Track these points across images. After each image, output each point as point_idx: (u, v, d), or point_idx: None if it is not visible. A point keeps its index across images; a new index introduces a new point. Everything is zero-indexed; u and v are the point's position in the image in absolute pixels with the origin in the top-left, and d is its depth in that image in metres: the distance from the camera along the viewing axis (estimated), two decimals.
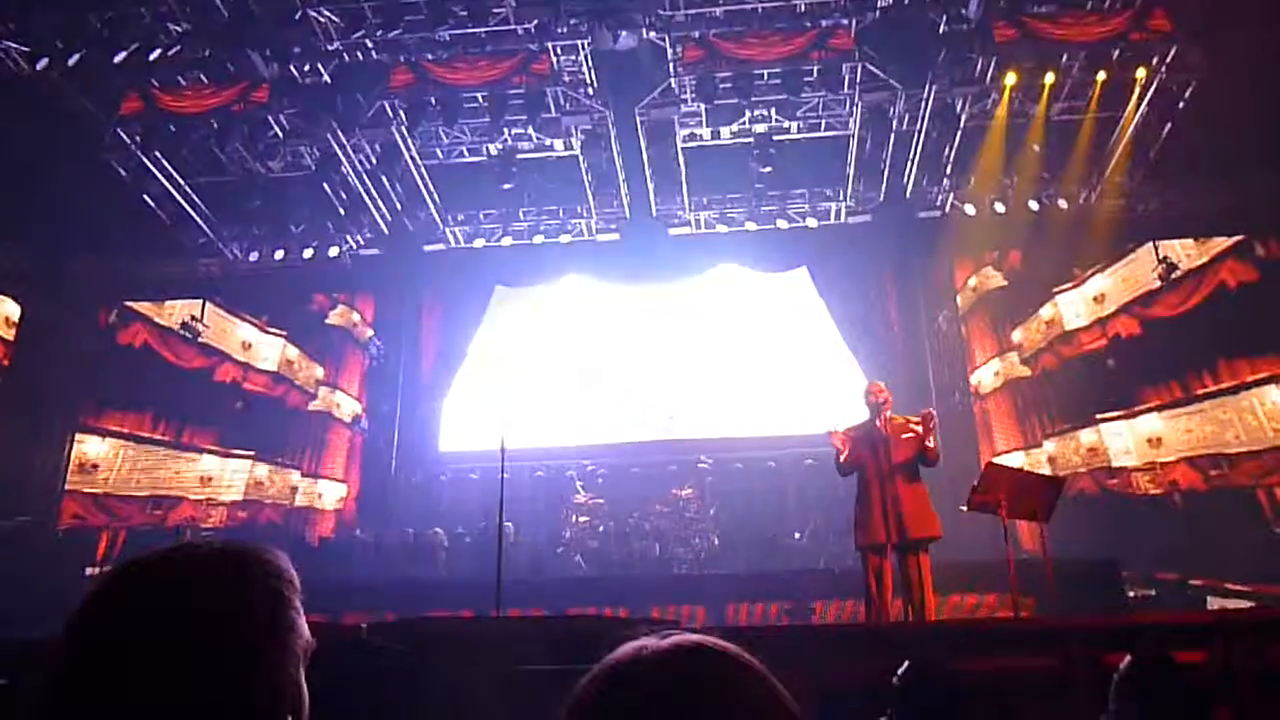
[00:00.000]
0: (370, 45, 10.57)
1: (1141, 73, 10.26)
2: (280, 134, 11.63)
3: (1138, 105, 10.66)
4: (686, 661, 0.84)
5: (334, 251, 13.30)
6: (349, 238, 13.33)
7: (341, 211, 12.81)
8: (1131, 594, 9.06)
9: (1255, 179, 10.78)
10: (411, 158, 12.08)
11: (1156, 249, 11.69)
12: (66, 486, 12.31)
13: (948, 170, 12.14)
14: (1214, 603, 9.56)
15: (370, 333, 13.97)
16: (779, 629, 7.03)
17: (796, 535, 10.91)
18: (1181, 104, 10.63)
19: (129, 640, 0.88)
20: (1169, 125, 10.94)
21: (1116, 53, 10.22)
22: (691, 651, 0.85)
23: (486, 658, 3.89)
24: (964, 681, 2.79)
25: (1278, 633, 4.43)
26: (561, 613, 7.66)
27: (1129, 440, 11.44)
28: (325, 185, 12.34)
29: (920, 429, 6.23)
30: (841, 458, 6.26)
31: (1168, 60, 10.21)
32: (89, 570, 11.77)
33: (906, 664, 2.85)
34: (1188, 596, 9.72)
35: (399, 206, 12.94)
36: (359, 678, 3.81)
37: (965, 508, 6.30)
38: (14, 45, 10.09)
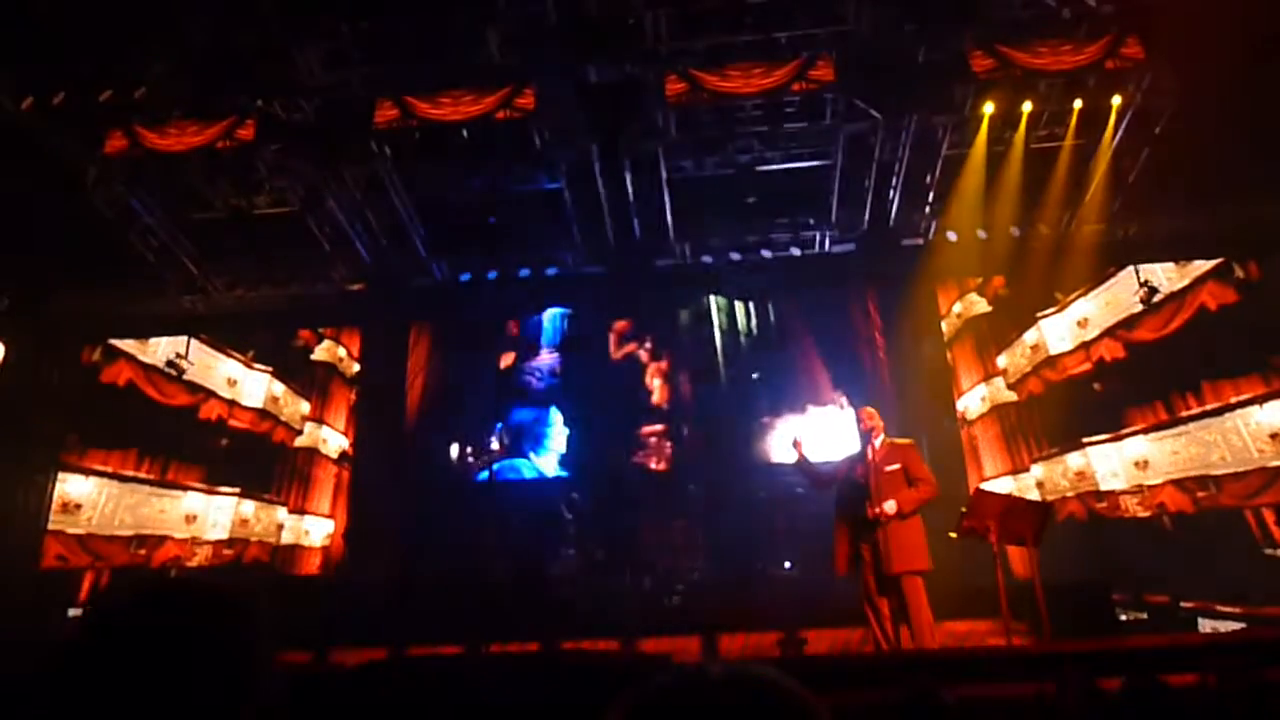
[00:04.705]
0: (355, 81, 10.62)
1: (1117, 99, 10.41)
2: (265, 170, 11.65)
3: (1114, 131, 10.79)
4: (756, 692, 0.81)
5: (319, 287, 13.28)
6: (334, 273, 13.32)
7: (327, 247, 12.81)
8: (1123, 617, 9.07)
9: (1233, 202, 10.91)
10: (397, 193, 12.11)
11: (1138, 273, 11.80)
12: (49, 527, 12.17)
13: (930, 198, 12.25)
14: (1205, 625, 9.57)
15: (357, 368, 13.93)
16: (772, 660, 6.99)
17: (787, 565, 10.88)
18: (1158, 129, 10.77)
19: (107, 682, 0.88)
20: (1146, 150, 11.09)
21: (1093, 80, 10.37)
22: (758, 684, 0.83)
23: (477, 696, 3.85)
24: (957, 709, 2.77)
25: (1270, 655, 4.43)
26: (553, 646, 7.60)
27: (1116, 463, 11.47)
28: (311, 221, 12.36)
29: (905, 463, 6.29)
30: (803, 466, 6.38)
31: (1143, 87, 10.37)
32: (72, 611, 11.64)
33: (900, 693, 2.84)
34: (1179, 619, 9.72)
35: (385, 241, 12.94)
36: (348, 717, 3.76)
37: (954, 534, 6.31)
38: None
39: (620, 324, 13.74)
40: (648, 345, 13.62)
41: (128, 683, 0.87)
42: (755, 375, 13.21)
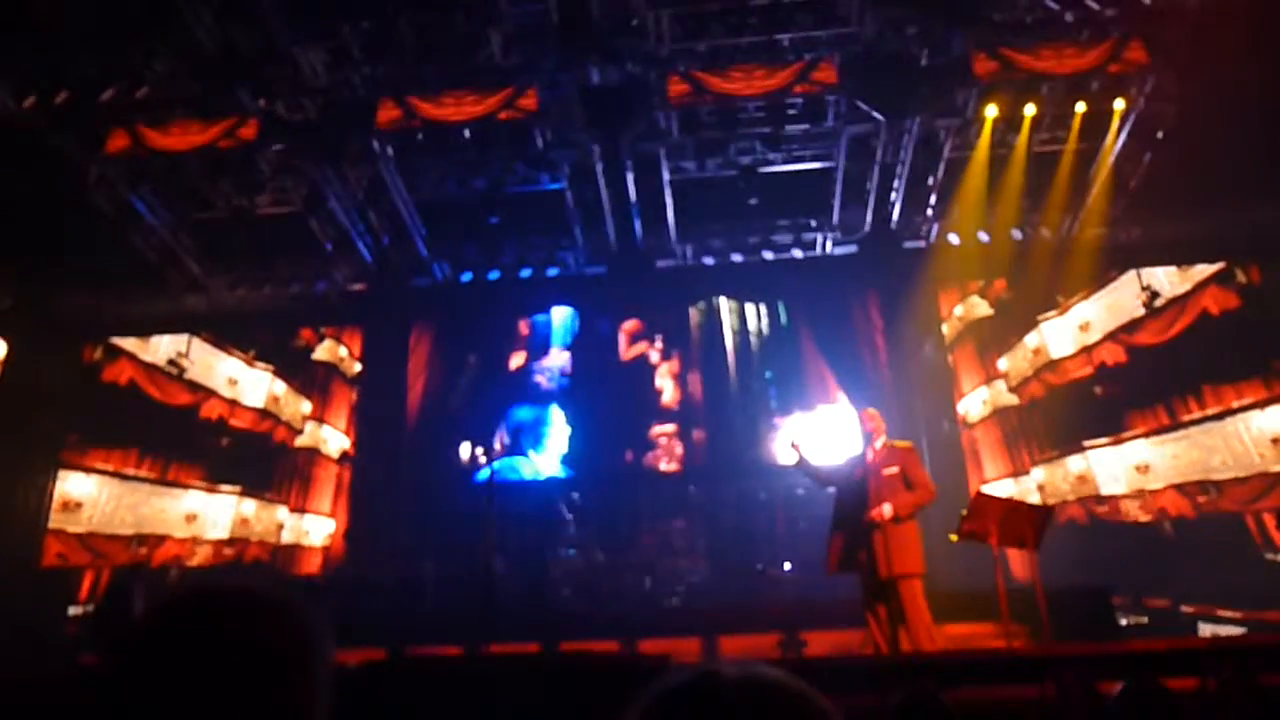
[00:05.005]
0: (357, 81, 10.63)
1: (1120, 103, 10.40)
2: (267, 170, 11.65)
3: (1117, 135, 10.79)
4: (769, 695, 0.81)
5: (321, 286, 13.28)
6: (336, 272, 13.33)
7: (328, 246, 12.81)
8: (1123, 621, 9.07)
9: (1235, 207, 10.91)
10: (399, 193, 12.11)
11: (1140, 277, 11.80)
12: (50, 525, 12.17)
13: (932, 201, 12.25)
14: (1206, 629, 9.57)
15: (358, 367, 13.93)
16: (772, 662, 6.98)
17: (787, 566, 10.87)
18: (1161, 134, 10.76)
19: (166, 687, 0.88)
20: (1149, 154, 11.08)
21: (1096, 84, 10.37)
22: (771, 686, 0.82)
23: (476, 696, 3.85)
24: (957, 713, 2.77)
25: (1270, 659, 4.42)
26: (553, 647, 7.60)
27: (1117, 467, 11.47)
28: (312, 220, 12.36)
29: (903, 467, 6.28)
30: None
31: (1146, 91, 10.36)
32: (72, 610, 11.66)
33: (899, 696, 2.84)
34: (1180, 623, 9.72)
35: (386, 241, 12.95)
36: (348, 717, 3.76)
37: (954, 536, 6.31)
38: None
39: (631, 324, 13.73)
40: (658, 345, 13.61)
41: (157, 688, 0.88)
42: (767, 375, 13.21)
